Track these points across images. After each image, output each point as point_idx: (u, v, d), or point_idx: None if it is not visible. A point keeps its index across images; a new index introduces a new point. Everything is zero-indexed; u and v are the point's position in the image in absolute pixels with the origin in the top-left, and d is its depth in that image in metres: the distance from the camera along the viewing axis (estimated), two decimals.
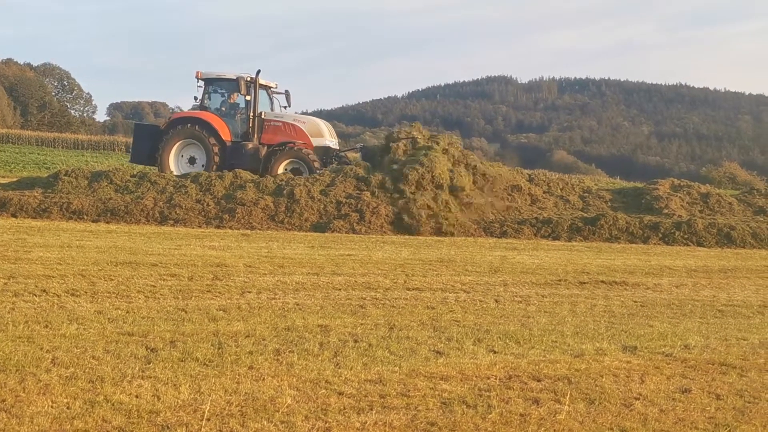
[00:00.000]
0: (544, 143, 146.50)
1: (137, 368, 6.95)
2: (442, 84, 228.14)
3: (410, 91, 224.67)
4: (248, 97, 27.97)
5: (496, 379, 7.21)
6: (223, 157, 27.43)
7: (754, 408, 6.79)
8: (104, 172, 25.22)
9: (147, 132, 30.18)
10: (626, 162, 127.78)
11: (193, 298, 10.63)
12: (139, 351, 7.55)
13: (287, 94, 30.07)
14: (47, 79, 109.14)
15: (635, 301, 12.17)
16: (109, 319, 8.99)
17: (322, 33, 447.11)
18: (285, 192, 22.93)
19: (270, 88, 29.41)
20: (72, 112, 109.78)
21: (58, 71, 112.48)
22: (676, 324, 10.44)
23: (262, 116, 28.30)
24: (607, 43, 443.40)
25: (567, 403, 6.58)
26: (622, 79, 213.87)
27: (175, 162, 27.69)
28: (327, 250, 16.92)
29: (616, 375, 7.57)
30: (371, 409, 6.20)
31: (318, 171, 26.07)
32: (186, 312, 9.60)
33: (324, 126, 29.24)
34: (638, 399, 6.84)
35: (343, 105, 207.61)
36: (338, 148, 30.13)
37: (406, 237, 21.04)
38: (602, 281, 14.04)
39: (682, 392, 7.11)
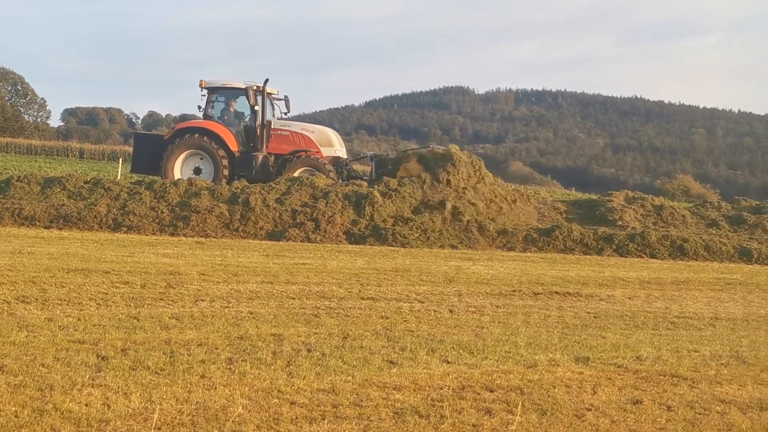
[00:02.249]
0: (500, 154, 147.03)
1: (87, 376, 6.88)
2: (400, 94, 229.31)
3: (367, 101, 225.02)
4: (257, 107, 27.55)
5: (449, 389, 7.21)
6: (232, 167, 27.12)
7: (705, 419, 6.85)
8: (57, 178, 24.98)
9: (149, 141, 29.83)
10: (581, 173, 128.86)
11: (145, 306, 10.55)
12: (89, 359, 7.48)
13: (286, 99, 29.28)
14: (0, 84, 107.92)
15: (588, 312, 12.23)
16: (59, 326, 8.90)
17: (279, 41, 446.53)
18: (240, 200, 22.81)
19: (272, 95, 28.78)
20: (26, 117, 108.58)
21: (11, 76, 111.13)
22: (628, 335, 10.51)
23: (271, 125, 27.94)
24: (564, 55, 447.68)
25: (519, 413, 6.60)
26: (578, 92, 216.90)
27: (180, 173, 27.12)
28: (282, 258, 16.86)
29: (568, 386, 7.60)
30: (323, 419, 6.18)
31: (334, 180, 25.89)
32: (138, 320, 9.53)
33: (333, 135, 28.89)
34: (590, 410, 6.88)
35: (300, 113, 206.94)
36: (347, 157, 29.77)
37: (361, 246, 21.00)
38: (556, 292, 14.10)
39: (634, 403, 7.16)
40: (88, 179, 25.27)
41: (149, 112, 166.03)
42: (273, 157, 27.63)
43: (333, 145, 28.30)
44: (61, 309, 9.97)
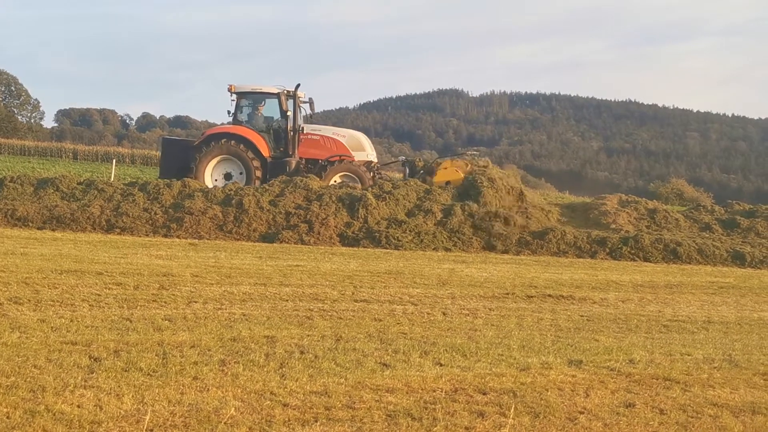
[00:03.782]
0: (494, 157, 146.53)
1: (80, 378, 6.86)
2: (394, 96, 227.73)
3: (361, 103, 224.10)
4: (289, 112, 27.30)
5: (441, 391, 7.21)
6: (264, 172, 26.89)
7: (697, 423, 6.85)
8: (51, 179, 24.99)
9: (177, 147, 29.56)
10: (575, 177, 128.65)
11: (138, 307, 10.53)
12: (82, 360, 7.46)
13: (311, 102, 28.86)
14: None
15: (582, 316, 12.23)
16: (52, 327, 8.88)
17: (274, 43, 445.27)
18: (234, 202, 22.80)
19: (299, 98, 28.36)
20: (19, 117, 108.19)
21: (5, 76, 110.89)
22: (621, 338, 10.51)
23: (303, 130, 27.70)
24: (558, 58, 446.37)
25: (512, 416, 6.58)
26: (572, 95, 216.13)
27: (211, 179, 26.84)
28: (275, 260, 16.85)
29: (561, 389, 7.60)
30: (316, 421, 6.17)
31: (370, 186, 25.75)
32: (131, 321, 9.51)
33: (364, 140, 28.78)
34: (583, 413, 6.87)
35: None
36: (377, 162, 29.52)
37: (355, 249, 21.01)
38: (549, 295, 14.10)
39: (626, 406, 7.16)
40: (82, 180, 25.34)
41: (143, 113, 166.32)
42: (303, 161, 27.51)
43: (364, 149, 28.21)
44: (53, 310, 9.95)
